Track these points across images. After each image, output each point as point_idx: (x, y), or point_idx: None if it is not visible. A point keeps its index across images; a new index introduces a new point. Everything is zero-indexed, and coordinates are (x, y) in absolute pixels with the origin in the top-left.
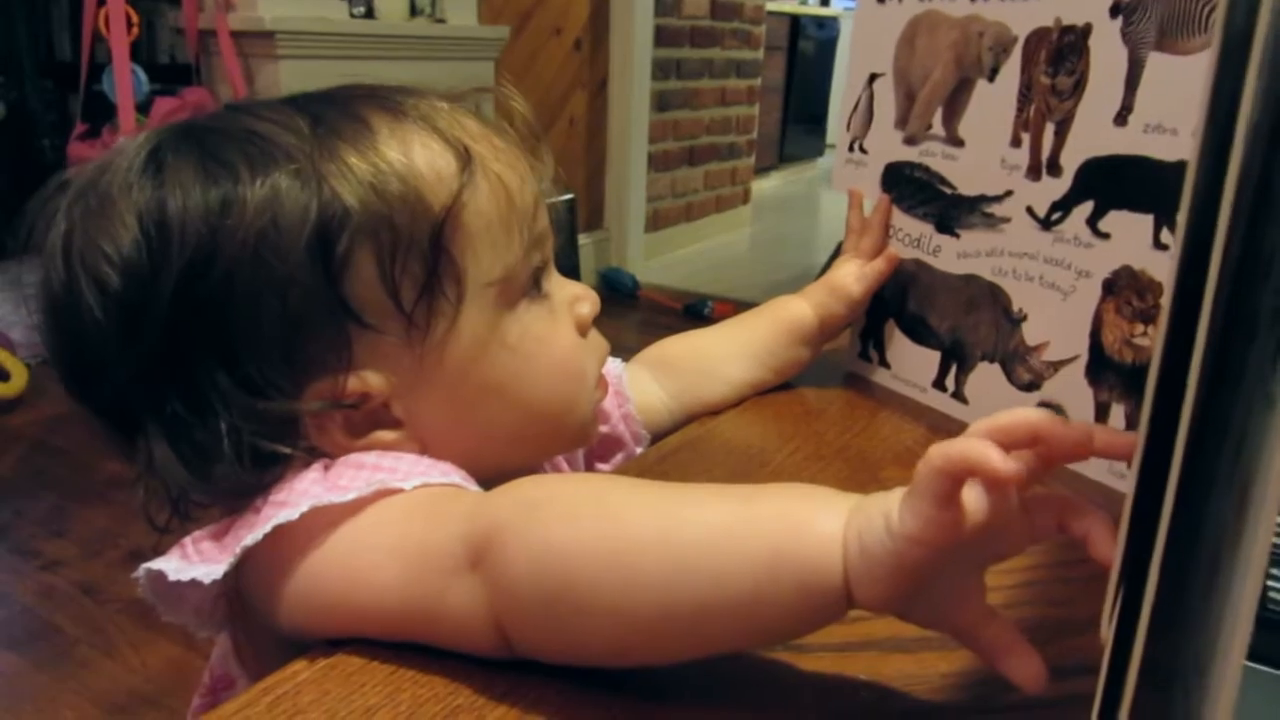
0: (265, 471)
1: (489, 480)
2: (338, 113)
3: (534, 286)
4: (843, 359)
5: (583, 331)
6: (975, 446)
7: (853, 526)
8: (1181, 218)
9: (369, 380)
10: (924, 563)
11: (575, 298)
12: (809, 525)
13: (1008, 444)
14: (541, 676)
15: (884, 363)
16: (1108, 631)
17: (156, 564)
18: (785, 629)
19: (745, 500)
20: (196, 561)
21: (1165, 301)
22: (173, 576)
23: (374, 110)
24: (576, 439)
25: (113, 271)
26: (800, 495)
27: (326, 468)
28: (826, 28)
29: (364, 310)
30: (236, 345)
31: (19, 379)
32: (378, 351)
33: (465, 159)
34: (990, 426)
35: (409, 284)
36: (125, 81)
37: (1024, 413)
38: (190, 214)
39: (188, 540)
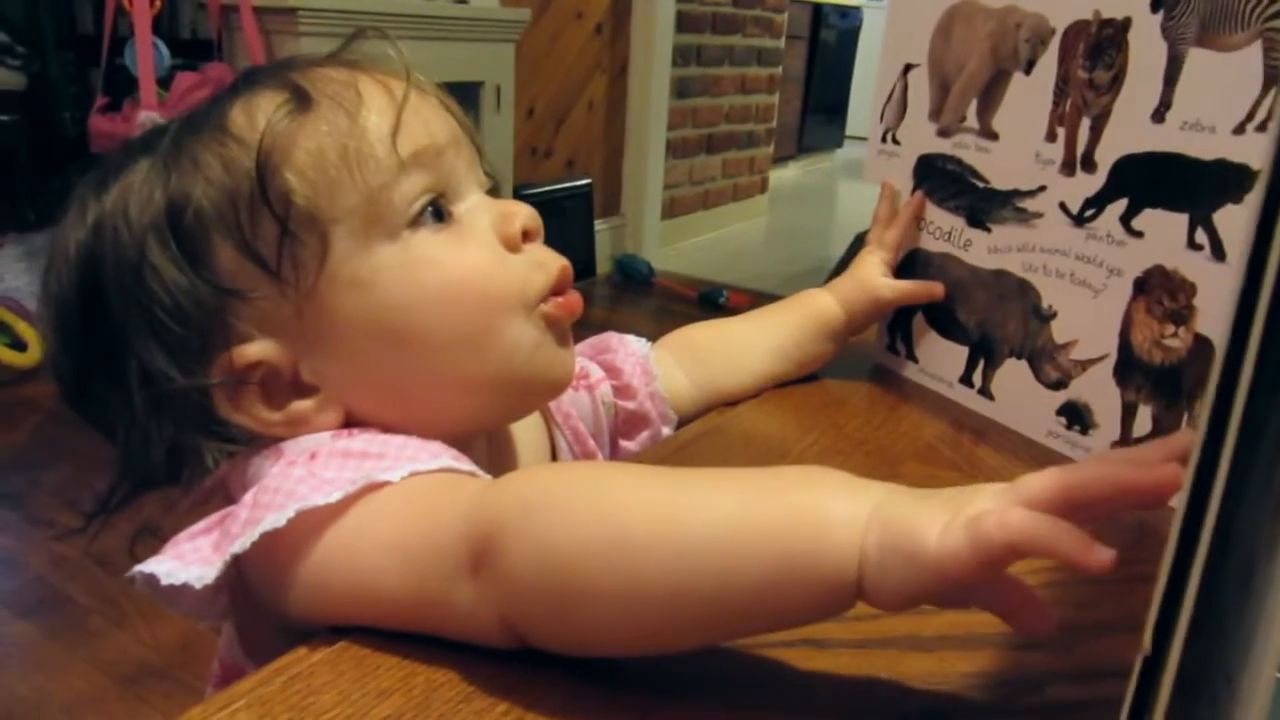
0: (199, 461)
1: (472, 439)
2: (204, 108)
3: (427, 214)
4: (869, 350)
5: (511, 247)
6: (1064, 538)
7: (871, 538)
8: (1250, 218)
9: (252, 351)
10: (944, 591)
11: (503, 215)
12: (823, 532)
13: (1082, 509)
14: (556, 665)
15: (911, 356)
16: (1148, 640)
17: (148, 566)
18: (792, 623)
19: (755, 493)
20: (191, 560)
21: (1228, 310)
22: (164, 581)
23: (235, 95)
24: (523, 375)
25: (47, 307)
26: (813, 487)
27: (314, 456)
28: (849, 17)
29: (231, 279)
30: (131, 340)
31: (36, 349)
32: (259, 318)
33: (292, 98)
34: (1063, 492)
35: (264, 240)
36: (146, 55)
37: (1099, 476)
38: (75, 234)
39: (181, 537)
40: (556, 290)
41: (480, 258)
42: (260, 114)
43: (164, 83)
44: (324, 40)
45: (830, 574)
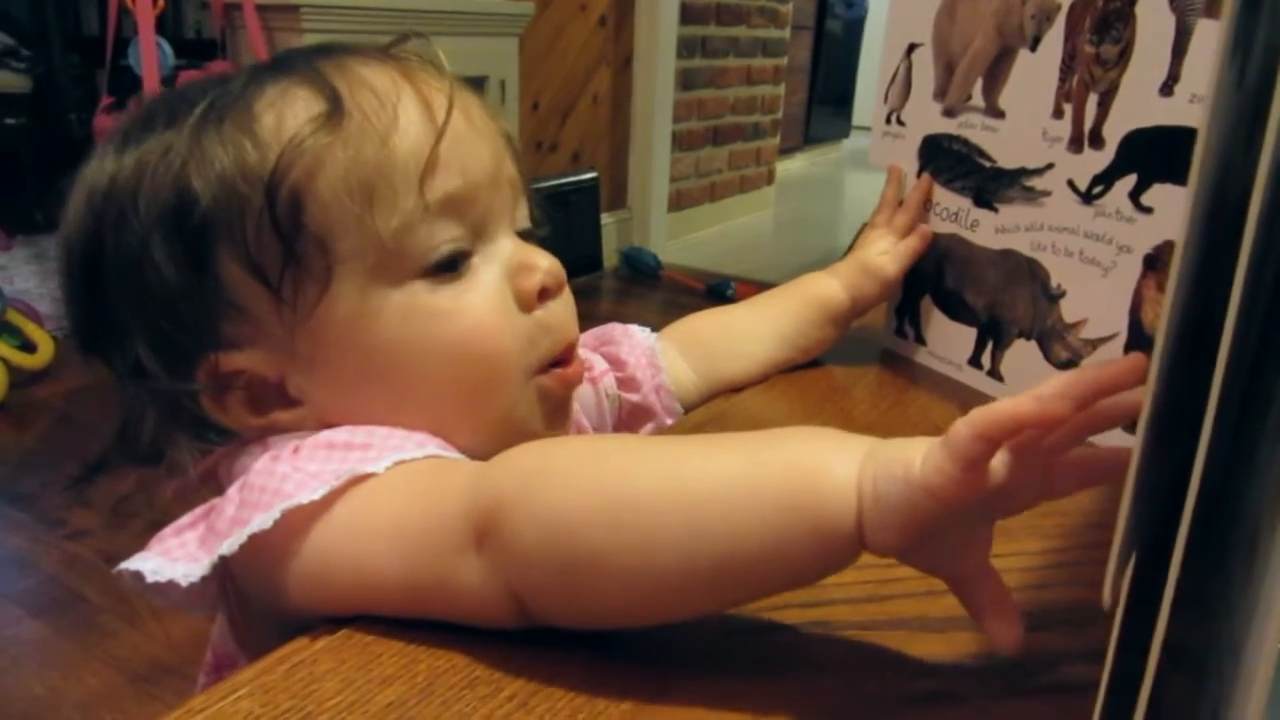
0: (178, 453)
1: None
2: (239, 87)
3: (443, 266)
4: (877, 335)
5: (524, 306)
6: (1022, 401)
7: (867, 472)
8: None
9: (240, 359)
10: (937, 515)
11: (523, 267)
12: (822, 474)
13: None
14: (560, 649)
15: (920, 339)
16: (1109, 596)
17: (134, 564)
18: (800, 577)
19: (753, 450)
20: (177, 557)
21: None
22: (150, 579)
23: (271, 81)
24: (513, 431)
25: (58, 245)
26: (810, 440)
27: (297, 450)
28: (855, 7)
29: (230, 290)
30: (126, 329)
31: (45, 351)
32: (252, 330)
33: (324, 112)
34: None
35: (268, 257)
36: (150, 55)
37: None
38: (95, 178)
39: (167, 533)
40: (561, 359)
41: (484, 316)
42: (289, 120)
43: (168, 82)
44: (328, 38)
45: (832, 518)
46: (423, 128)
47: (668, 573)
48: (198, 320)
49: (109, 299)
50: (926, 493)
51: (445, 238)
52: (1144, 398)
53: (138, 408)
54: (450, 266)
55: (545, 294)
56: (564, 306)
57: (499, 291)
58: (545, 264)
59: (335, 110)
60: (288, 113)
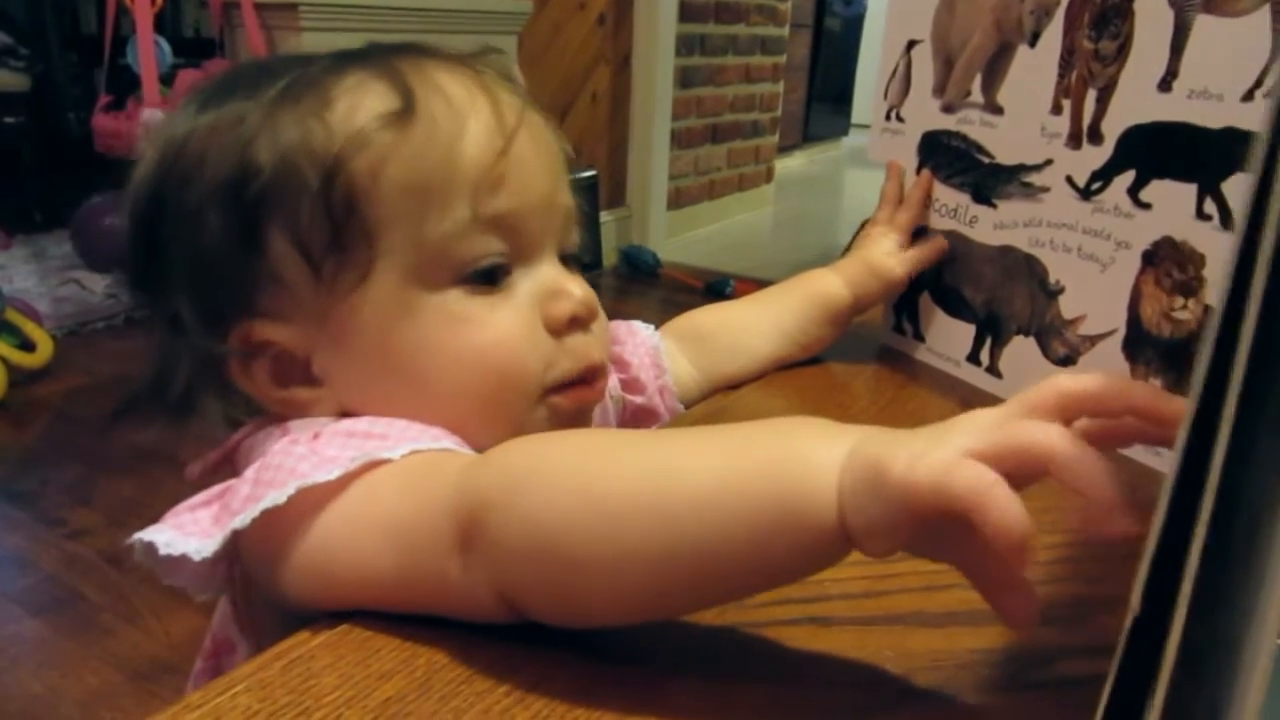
0: (209, 409)
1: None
2: (321, 68)
3: (482, 279)
4: (875, 332)
5: (552, 330)
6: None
7: (849, 476)
8: (1252, 178)
9: (270, 331)
10: (916, 525)
11: (556, 293)
12: (804, 476)
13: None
14: (559, 645)
15: (918, 336)
16: (1137, 602)
17: (148, 535)
18: (789, 575)
19: (735, 449)
20: (190, 532)
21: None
22: (163, 551)
23: (351, 69)
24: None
25: (128, 193)
26: (792, 437)
27: (317, 435)
28: (854, 5)
29: (275, 263)
30: (173, 281)
31: (45, 350)
32: (288, 304)
33: (395, 110)
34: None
35: (316, 238)
36: (149, 53)
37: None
38: (172, 130)
39: (181, 508)
40: (582, 380)
41: (509, 332)
42: (360, 111)
43: (166, 80)
44: (326, 35)
45: (815, 520)
46: (487, 142)
47: (650, 576)
48: (239, 287)
49: (162, 250)
50: (904, 507)
51: (489, 251)
52: (1187, 404)
53: (172, 359)
54: (489, 278)
55: (575, 323)
56: (594, 334)
57: (530, 312)
58: (580, 293)
59: (406, 110)
60: (361, 104)
